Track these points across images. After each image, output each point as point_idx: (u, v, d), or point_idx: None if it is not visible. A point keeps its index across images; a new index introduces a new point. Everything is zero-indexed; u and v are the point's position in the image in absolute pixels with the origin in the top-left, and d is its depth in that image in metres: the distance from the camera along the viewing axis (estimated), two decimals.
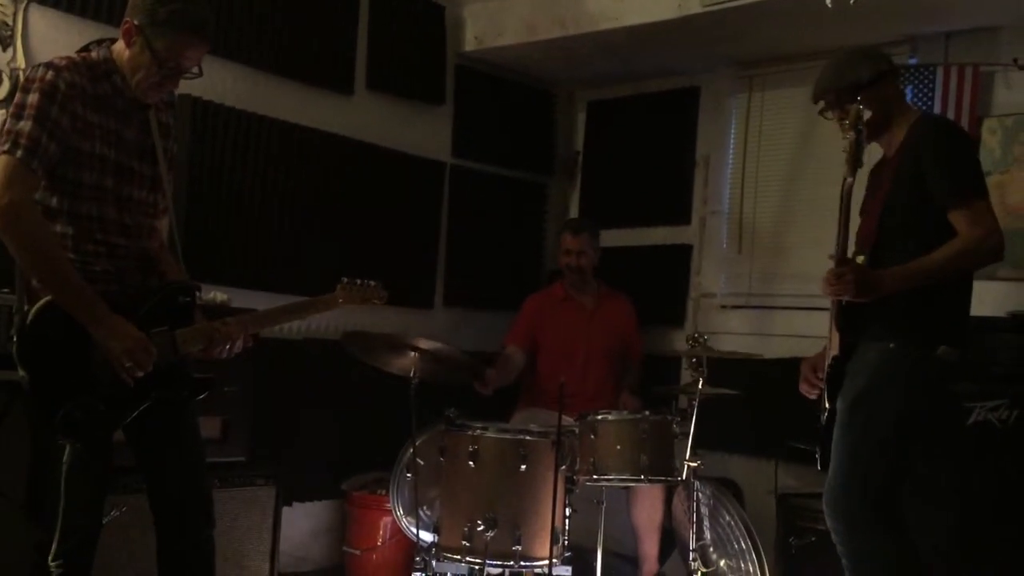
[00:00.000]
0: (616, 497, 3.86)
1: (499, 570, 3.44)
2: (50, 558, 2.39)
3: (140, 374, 2.34)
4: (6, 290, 2.76)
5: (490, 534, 3.25)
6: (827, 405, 2.75)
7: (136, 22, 2.37)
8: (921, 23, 4.00)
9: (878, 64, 2.80)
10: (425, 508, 3.62)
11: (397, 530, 3.89)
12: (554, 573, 3.34)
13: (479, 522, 3.25)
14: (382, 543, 4.02)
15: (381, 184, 4.54)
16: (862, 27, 3.85)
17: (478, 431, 3.38)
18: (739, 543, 3.64)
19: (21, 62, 3.40)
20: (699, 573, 3.43)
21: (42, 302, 2.30)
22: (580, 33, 4.47)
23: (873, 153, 2.92)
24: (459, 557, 3.32)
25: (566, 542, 3.42)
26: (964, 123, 3.87)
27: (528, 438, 3.37)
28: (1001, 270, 3.58)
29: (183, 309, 2.51)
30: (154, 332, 2.40)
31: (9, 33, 3.40)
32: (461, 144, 4.94)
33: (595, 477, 3.45)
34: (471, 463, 3.33)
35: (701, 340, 3.56)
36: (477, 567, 3.31)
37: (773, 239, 4.70)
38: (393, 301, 3.07)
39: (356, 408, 4.31)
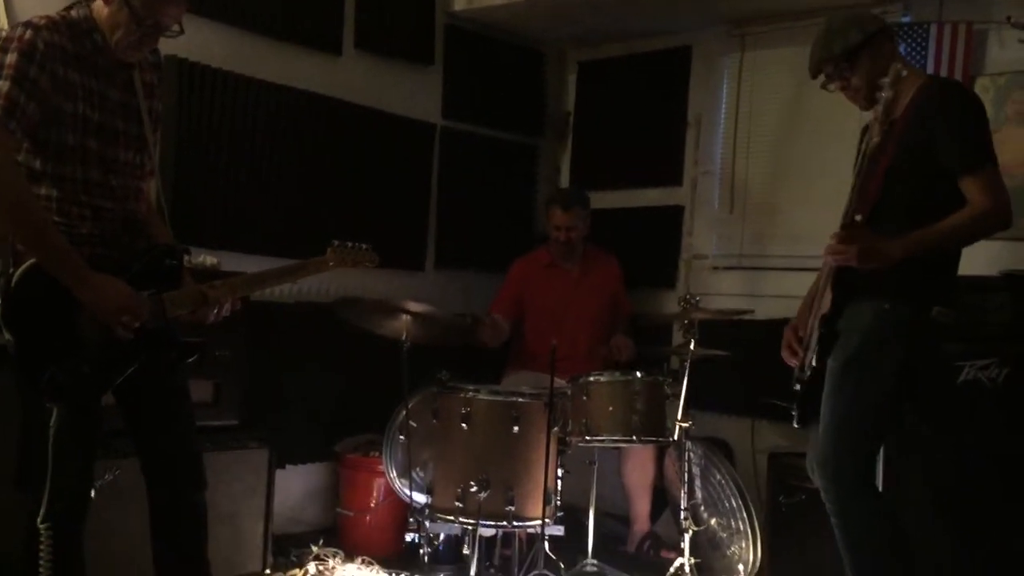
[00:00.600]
0: (608, 458, 3.89)
1: (492, 531, 3.47)
2: (39, 520, 2.40)
3: (137, 325, 2.33)
4: None
5: (483, 495, 3.27)
6: (815, 363, 2.74)
7: None
8: None
9: (867, 26, 2.74)
10: (418, 470, 3.64)
11: (390, 492, 3.91)
12: (547, 533, 3.37)
13: (472, 483, 3.27)
14: (375, 505, 4.04)
15: (370, 146, 4.50)
16: None
17: (471, 393, 3.39)
18: (730, 502, 3.67)
19: (3, 23, 3.34)
20: (690, 532, 3.46)
21: (26, 265, 2.28)
22: None
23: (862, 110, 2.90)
24: (452, 518, 3.34)
25: (558, 502, 3.44)
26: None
27: (520, 400, 3.39)
28: None
29: (170, 272, 2.50)
30: (142, 294, 2.38)
31: None
32: (451, 105, 4.90)
33: (587, 438, 3.46)
34: (464, 425, 3.35)
35: (693, 301, 3.56)
36: (470, 527, 3.34)
37: (765, 199, 4.69)
38: (384, 264, 3.06)
39: (348, 371, 4.31)
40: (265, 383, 3.94)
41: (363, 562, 3.72)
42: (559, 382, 3.43)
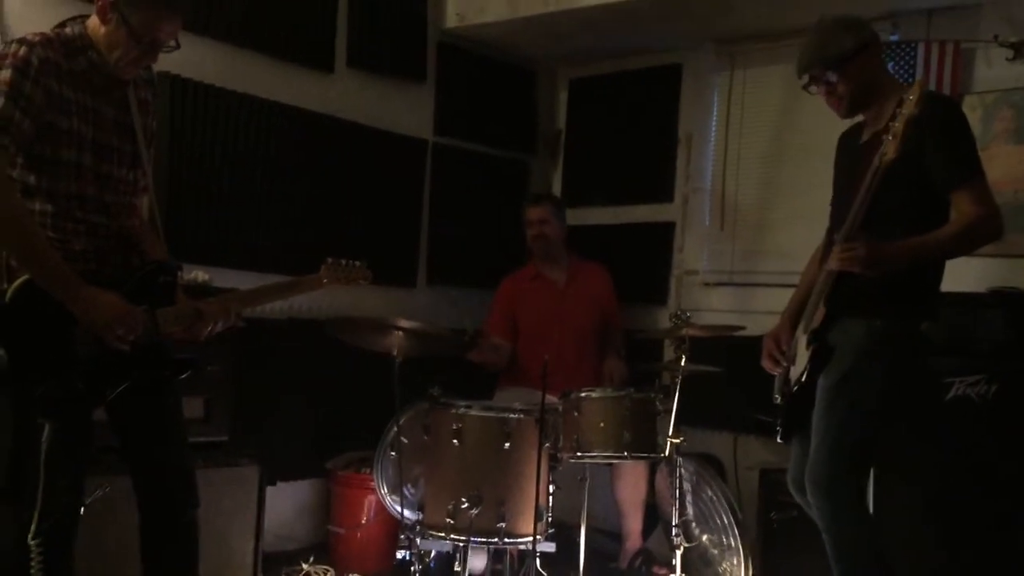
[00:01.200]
0: (600, 474, 3.88)
1: (484, 547, 3.47)
2: (30, 537, 2.38)
3: (131, 338, 2.33)
4: None
5: (474, 511, 3.26)
6: (804, 379, 2.74)
7: None
8: None
9: (861, 34, 2.75)
10: (409, 486, 3.63)
11: (381, 508, 3.90)
12: (538, 550, 3.36)
13: (463, 500, 3.26)
14: (366, 521, 4.03)
15: (362, 162, 4.52)
16: (844, 4, 3.82)
17: (462, 409, 3.38)
18: (721, 518, 3.67)
19: None
20: (682, 548, 3.46)
21: (20, 280, 2.29)
22: (562, 9, 4.44)
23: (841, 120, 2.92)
24: (443, 534, 3.33)
25: (550, 519, 3.43)
26: None
27: (512, 416, 3.38)
28: None
29: (164, 288, 2.50)
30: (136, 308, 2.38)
31: None
32: (443, 122, 4.92)
33: (579, 454, 3.46)
34: (455, 441, 3.34)
35: (684, 317, 3.57)
36: (461, 544, 3.33)
37: (756, 216, 4.71)
38: (376, 280, 3.06)
39: (339, 387, 4.31)
40: (256, 399, 3.93)
41: None
42: (550, 398, 3.44)
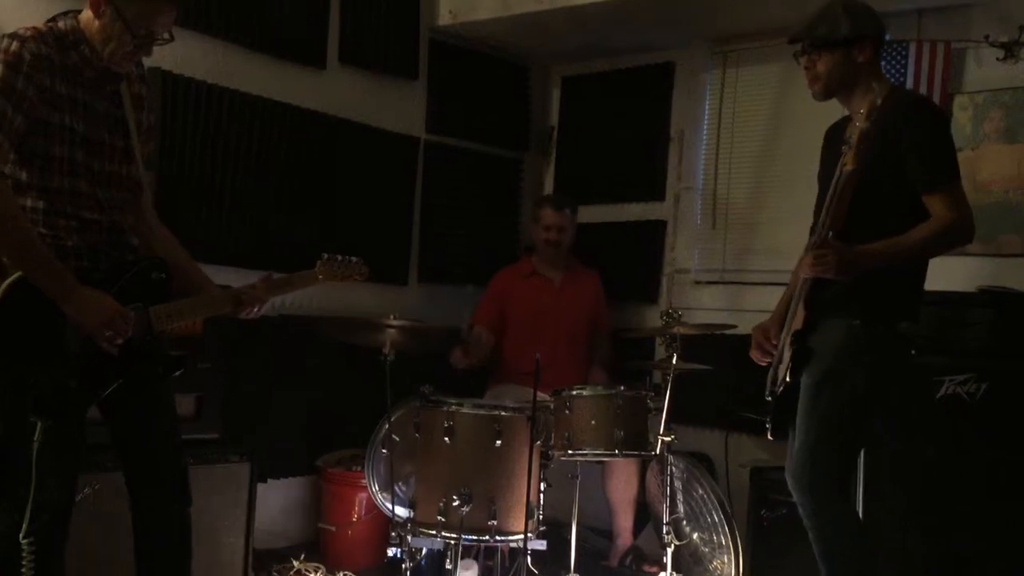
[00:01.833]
0: (591, 472, 3.89)
1: (474, 545, 3.47)
2: (20, 536, 2.36)
3: (120, 341, 2.32)
4: None
5: (465, 509, 3.26)
6: (788, 379, 2.76)
7: None
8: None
9: (861, 25, 2.75)
10: (400, 484, 3.63)
11: (372, 506, 3.90)
12: (529, 547, 3.36)
13: (454, 497, 3.26)
14: (357, 519, 4.02)
15: (354, 160, 4.51)
16: None
17: (453, 407, 3.38)
18: (712, 516, 3.68)
19: None
20: (672, 546, 3.47)
21: (12, 278, 2.28)
22: (555, 8, 4.44)
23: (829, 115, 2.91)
24: (434, 532, 3.33)
25: (541, 516, 3.44)
26: (936, 99, 3.89)
27: (503, 414, 3.38)
28: (971, 246, 3.60)
29: (157, 285, 2.49)
30: (128, 308, 2.38)
31: None
32: (435, 119, 4.91)
33: (570, 452, 3.47)
34: (446, 439, 3.34)
35: (675, 316, 3.57)
36: (452, 542, 3.33)
37: (747, 215, 4.72)
38: (368, 277, 3.06)
39: (331, 384, 4.30)
40: (247, 397, 3.92)
41: (344, 574, 3.71)
42: (542, 396, 3.44)
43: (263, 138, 4.15)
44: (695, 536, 3.74)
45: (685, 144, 4.90)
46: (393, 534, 3.52)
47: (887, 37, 4.01)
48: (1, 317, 2.28)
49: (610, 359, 4.51)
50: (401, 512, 3.56)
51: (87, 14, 2.39)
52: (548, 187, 5.41)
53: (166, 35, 2.43)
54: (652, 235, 4.95)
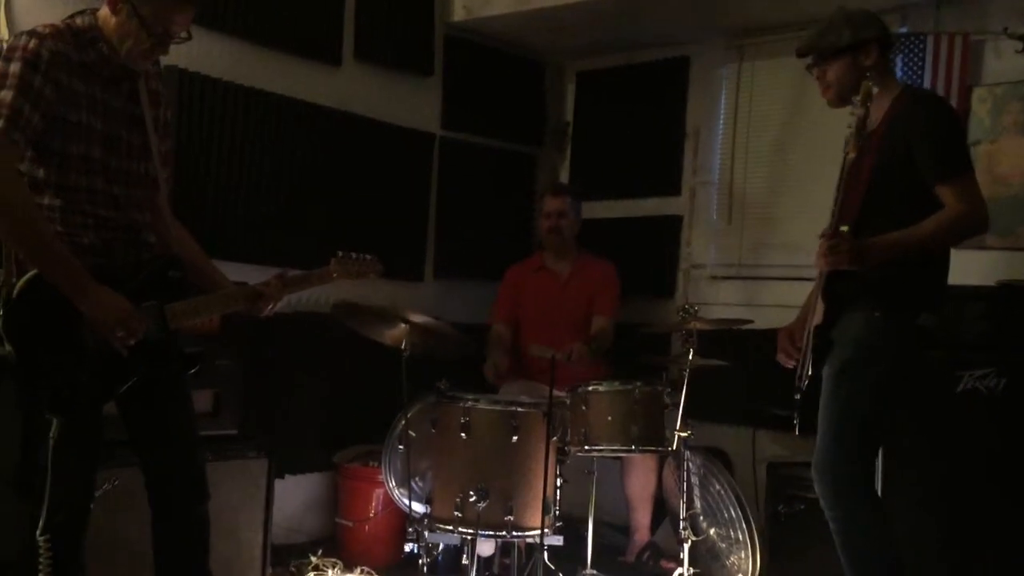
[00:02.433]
0: (608, 468, 3.89)
1: (490, 550, 3.47)
2: (38, 532, 2.38)
3: (132, 342, 2.33)
4: None
5: (482, 505, 3.27)
6: (810, 372, 2.77)
7: None
8: None
9: (864, 31, 2.79)
10: (417, 479, 3.63)
11: (389, 501, 3.91)
12: (546, 543, 3.36)
13: (471, 493, 3.27)
14: (374, 515, 4.03)
15: (370, 156, 4.51)
16: None
17: (469, 403, 3.39)
18: (729, 512, 3.67)
19: (4, 33, 3.35)
20: (690, 542, 3.46)
21: (29, 275, 2.29)
22: (569, 3, 4.42)
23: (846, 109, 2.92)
24: (451, 528, 3.33)
25: (558, 512, 3.44)
26: (954, 92, 3.87)
27: (520, 409, 3.38)
28: (990, 239, 3.59)
29: (173, 283, 2.50)
30: (143, 306, 2.39)
31: None
32: (450, 115, 4.91)
33: (586, 447, 3.46)
34: (463, 434, 3.34)
35: (691, 311, 3.56)
36: (469, 537, 3.33)
37: (763, 210, 4.70)
38: (383, 274, 3.06)
39: (347, 381, 4.31)
40: (264, 393, 3.94)
41: (362, 572, 3.72)
42: (556, 392, 3.44)
43: (279, 135, 4.16)
44: (712, 532, 3.73)
45: (701, 138, 4.88)
46: (410, 530, 3.53)
47: (904, 29, 4.03)
48: (18, 313, 2.29)
49: (602, 339, 4.33)
50: (418, 508, 3.57)
51: (104, 11, 2.40)
52: (563, 182, 5.40)
53: (184, 34, 2.44)
54: (668, 230, 4.94)
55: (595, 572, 3.54)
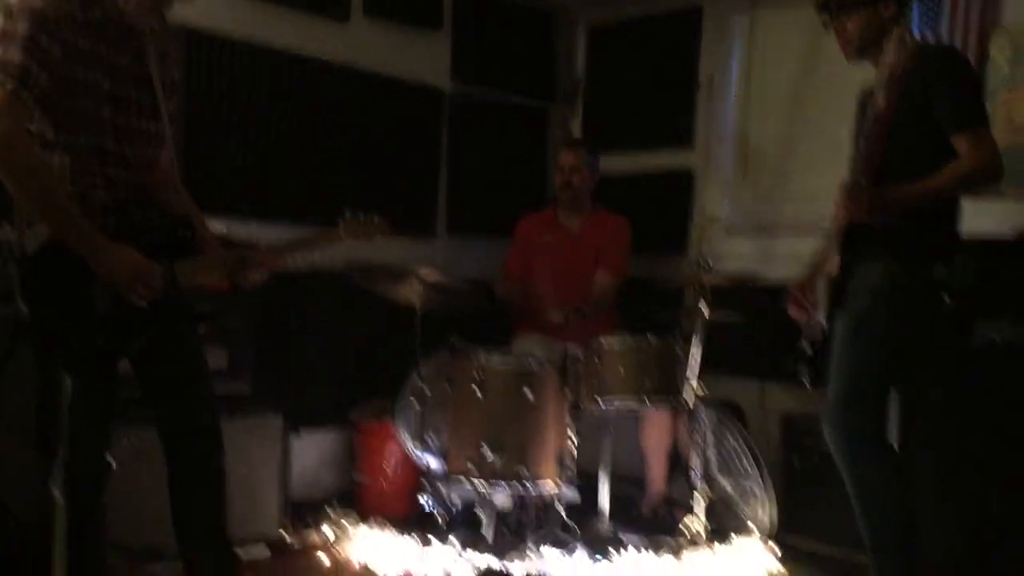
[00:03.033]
0: (624, 422, 3.89)
1: (507, 502, 3.50)
2: (55, 489, 2.41)
3: (151, 296, 2.34)
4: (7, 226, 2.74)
5: (497, 459, 3.29)
6: (825, 325, 2.77)
7: None
8: None
9: None
10: (432, 435, 3.66)
11: (405, 456, 3.94)
12: (561, 497, 3.38)
13: (486, 448, 3.29)
14: (390, 470, 4.07)
15: (380, 112, 4.49)
16: None
17: (483, 359, 3.39)
18: (743, 465, 3.68)
19: None
20: (704, 495, 3.47)
21: (47, 237, 2.29)
22: None
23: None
24: (466, 481, 3.36)
25: (572, 466, 3.45)
26: (972, 38, 3.80)
27: (533, 364, 3.39)
28: (1008, 188, 3.54)
29: (182, 243, 2.49)
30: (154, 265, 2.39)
31: None
32: (460, 70, 4.87)
33: (600, 403, 3.47)
34: (477, 390, 3.36)
35: (705, 265, 3.55)
36: (484, 491, 3.36)
37: (777, 162, 4.65)
38: (395, 230, 3.05)
39: (361, 337, 4.32)
40: (278, 350, 3.96)
41: (378, 524, 3.76)
42: (570, 346, 3.44)
43: (288, 92, 4.14)
44: (727, 484, 3.74)
45: (714, 90, 4.82)
46: (425, 484, 3.56)
47: None
48: (32, 275, 2.30)
49: (605, 305, 4.26)
50: (433, 462, 3.60)
51: None
52: (575, 136, 5.36)
53: None
54: (681, 184, 4.90)
55: (611, 524, 3.57)
